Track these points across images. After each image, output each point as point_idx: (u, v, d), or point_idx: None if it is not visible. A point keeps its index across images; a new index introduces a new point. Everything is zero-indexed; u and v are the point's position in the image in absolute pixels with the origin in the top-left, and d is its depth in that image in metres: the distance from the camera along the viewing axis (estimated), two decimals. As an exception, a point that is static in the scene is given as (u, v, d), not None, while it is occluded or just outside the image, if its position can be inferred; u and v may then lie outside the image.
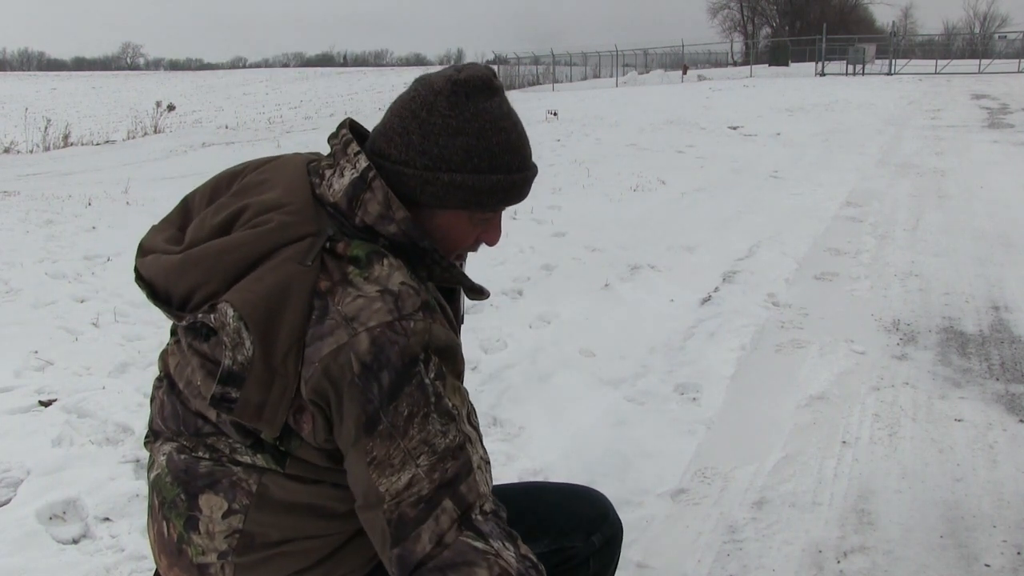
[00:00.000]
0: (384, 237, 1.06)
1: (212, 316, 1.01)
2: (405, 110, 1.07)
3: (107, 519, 2.17)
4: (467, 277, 1.14)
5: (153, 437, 1.19)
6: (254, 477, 1.07)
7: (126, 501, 2.23)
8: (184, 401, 1.11)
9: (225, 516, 1.07)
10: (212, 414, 1.08)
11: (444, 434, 1.00)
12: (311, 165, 1.12)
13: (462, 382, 1.08)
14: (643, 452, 2.60)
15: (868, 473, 2.47)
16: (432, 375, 1.00)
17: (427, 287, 1.07)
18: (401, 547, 0.99)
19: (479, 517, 1.01)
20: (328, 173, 1.08)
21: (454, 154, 1.05)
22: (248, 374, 0.99)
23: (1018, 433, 2.71)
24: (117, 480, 2.33)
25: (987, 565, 2.03)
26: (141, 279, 1.12)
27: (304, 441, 1.04)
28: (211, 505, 1.07)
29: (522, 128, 1.12)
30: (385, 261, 1.03)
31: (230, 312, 0.99)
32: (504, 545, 1.01)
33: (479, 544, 0.99)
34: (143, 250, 1.14)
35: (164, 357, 1.19)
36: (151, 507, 1.16)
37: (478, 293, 1.17)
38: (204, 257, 1.05)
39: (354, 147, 1.08)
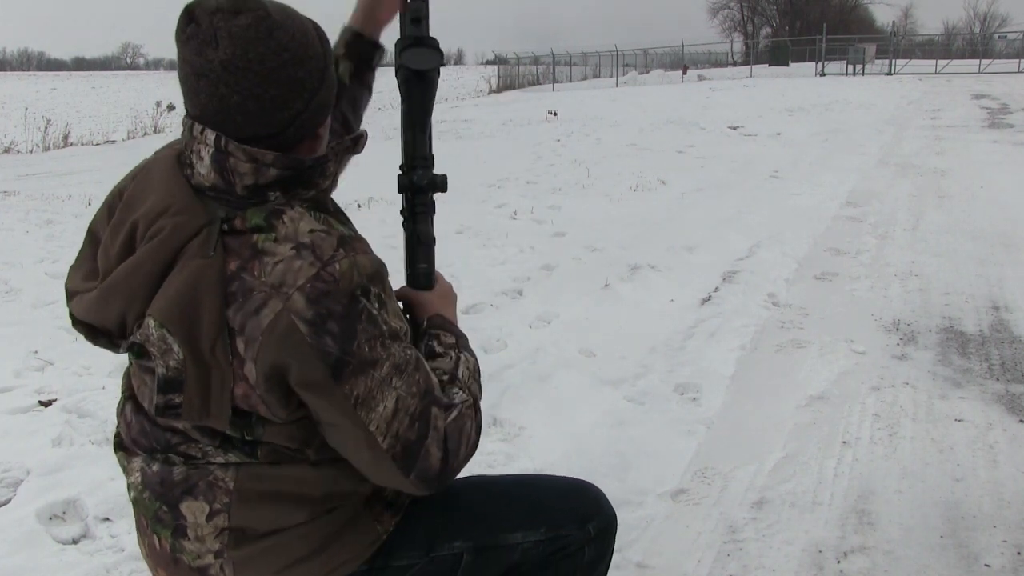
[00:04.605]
0: (270, 187, 1.03)
1: (138, 333, 1.02)
2: (217, 79, 1.02)
3: (107, 519, 2.17)
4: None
5: (123, 449, 1.18)
6: (230, 474, 1.07)
7: (126, 501, 2.20)
8: (151, 419, 1.11)
9: (210, 518, 1.07)
10: (179, 423, 1.07)
11: (403, 352, 1.03)
12: (181, 157, 1.09)
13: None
14: (643, 452, 2.60)
15: (868, 473, 2.47)
16: (376, 305, 1.02)
17: (333, 222, 1.06)
18: (416, 471, 1.04)
19: (441, 395, 1.09)
20: (193, 160, 1.06)
21: (286, 89, 1.02)
22: (183, 376, 1.00)
23: (1018, 433, 2.71)
24: (117, 480, 2.33)
25: (987, 565, 2.03)
26: (78, 323, 1.11)
27: (268, 423, 1.04)
28: (193, 511, 1.08)
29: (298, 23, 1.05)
30: (285, 217, 1.02)
31: (151, 323, 1.00)
32: (459, 385, 1.14)
33: (455, 411, 1.08)
34: (69, 293, 1.13)
35: (127, 377, 1.18)
36: (138, 524, 1.17)
37: (356, 140, 1.14)
38: (117, 283, 1.04)
39: (197, 126, 1.05)
